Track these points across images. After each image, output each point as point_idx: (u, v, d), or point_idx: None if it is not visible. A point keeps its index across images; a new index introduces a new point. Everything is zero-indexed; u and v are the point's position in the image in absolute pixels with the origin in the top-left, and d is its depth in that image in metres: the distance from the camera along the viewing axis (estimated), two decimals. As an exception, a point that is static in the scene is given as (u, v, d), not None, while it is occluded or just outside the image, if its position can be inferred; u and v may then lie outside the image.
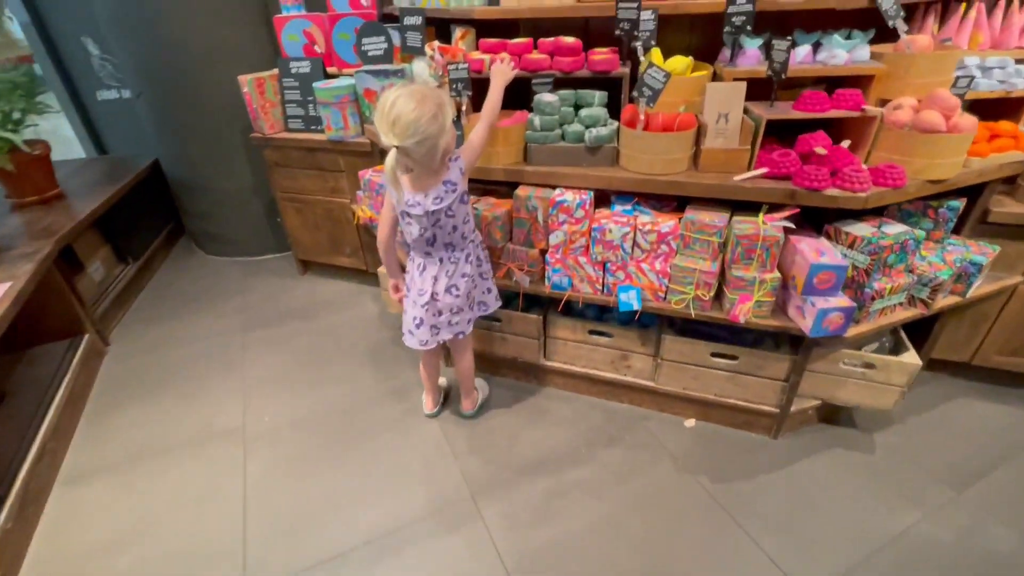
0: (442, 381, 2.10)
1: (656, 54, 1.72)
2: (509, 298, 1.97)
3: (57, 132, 3.80)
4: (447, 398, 2.12)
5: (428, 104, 1.32)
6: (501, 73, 1.65)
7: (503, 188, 1.93)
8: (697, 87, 1.66)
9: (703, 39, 1.93)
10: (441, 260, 1.61)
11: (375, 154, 2.40)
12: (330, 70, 2.48)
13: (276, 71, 2.51)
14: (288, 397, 2.17)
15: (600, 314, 2.02)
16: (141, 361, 2.42)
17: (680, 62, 1.65)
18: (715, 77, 1.70)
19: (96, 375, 2.33)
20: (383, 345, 2.44)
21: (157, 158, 3.19)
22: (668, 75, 1.51)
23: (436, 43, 1.89)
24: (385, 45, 2.24)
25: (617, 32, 1.67)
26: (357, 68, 2.35)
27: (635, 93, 1.57)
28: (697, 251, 1.64)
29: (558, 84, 1.75)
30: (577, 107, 1.79)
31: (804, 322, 1.55)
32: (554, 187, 1.76)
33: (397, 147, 1.32)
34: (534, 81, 1.73)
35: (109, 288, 2.74)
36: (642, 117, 1.56)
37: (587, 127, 1.71)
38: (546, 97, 1.69)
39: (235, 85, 2.54)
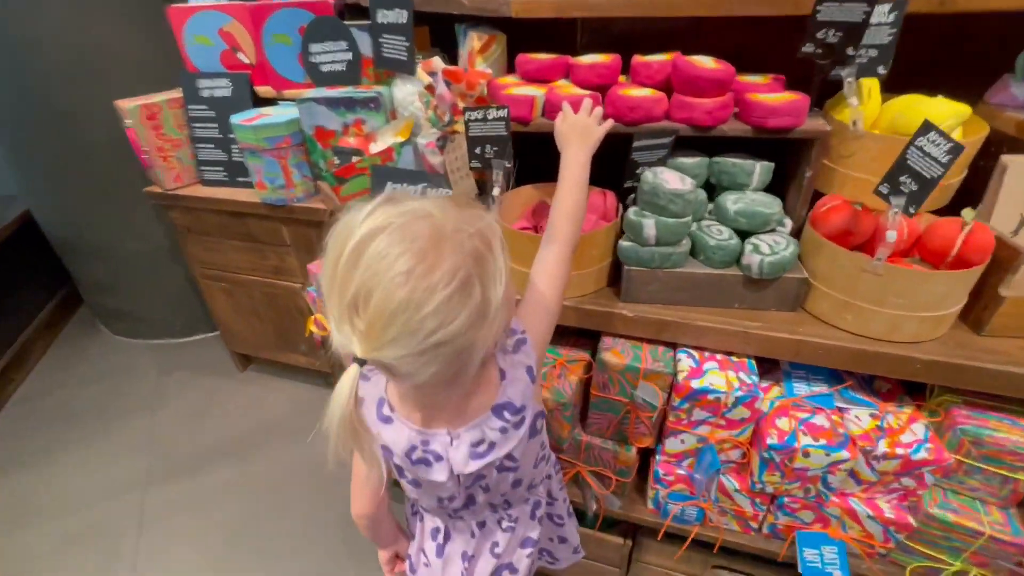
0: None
1: (873, 90, 0.89)
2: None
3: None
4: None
5: (447, 257, 0.48)
6: (584, 132, 0.80)
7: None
8: (959, 161, 0.83)
9: (918, 58, 1.09)
10: (483, 526, 0.77)
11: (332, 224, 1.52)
12: (261, 91, 1.58)
13: (179, 93, 1.60)
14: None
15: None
16: (-32, 562, 1.53)
17: (947, 109, 0.81)
18: (995, 142, 0.87)
19: None
20: (357, 516, 1.59)
21: (28, 208, 2.25)
22: (959, 149, 0.69)
23: (437, 61, 1.03)
24: (348, 55, 1.37)
25: (807, 48, 0.83)
26: (308, 88, 1.47)
27: (882, 188, 0.74)
28: (973, 488, 0.84)
29: (677, 145, 0.91)
30: (708, 185, 0.96)
31: None
32: (673, 345, 0.93)
33: (360, 360, 0.49)
34: (637, 144, 0.88)
35: (-59, 416, 1.83)
36: (892, 235, 0.73)
37: (743, 236, 0.88)
38: (668, 180, 0.84)
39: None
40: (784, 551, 0.95)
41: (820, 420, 0.85)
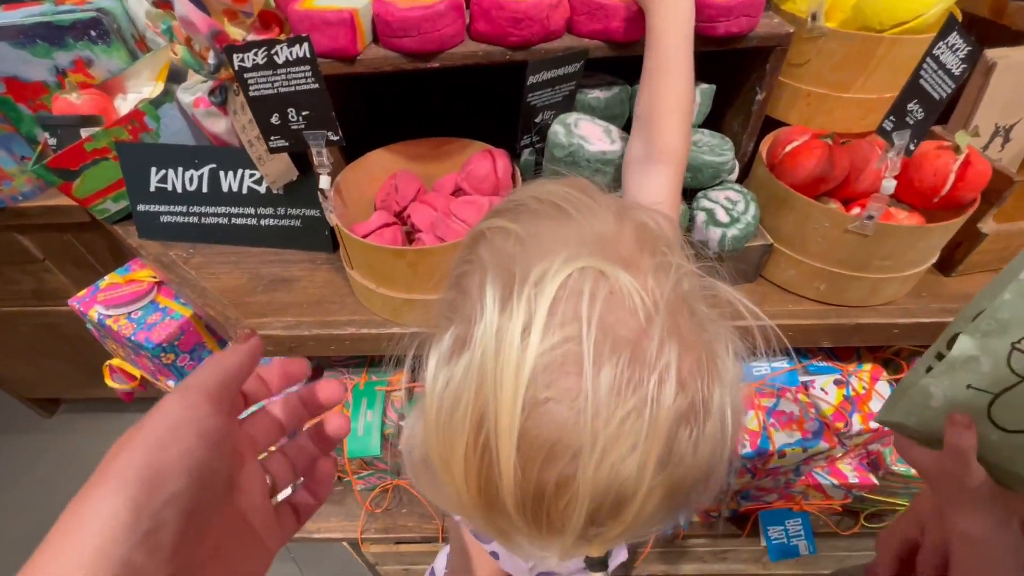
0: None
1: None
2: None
3: None
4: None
5: (684, 350, 0.26)
6: None
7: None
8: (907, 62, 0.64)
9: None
10: None
11: (96, 226, 1.04)
12: None
13: None
14: None
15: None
16: None
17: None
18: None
19: None
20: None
21: None
22: (976, 54, 0.49)
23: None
24: (22, -54, 0.81)
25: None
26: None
27: (887, 123, 0.52)
28: (931, 435, 0.78)
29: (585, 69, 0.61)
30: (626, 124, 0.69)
31: None
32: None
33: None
34: (534, 79, 0.57)
35: None
36: (890, 184, 0.54)
37: (685, 193, 0.65)
38: (589, 137, 0.56)
39: None
40: (747, 531, 0.87)
41: (787, 404, 0.72)
